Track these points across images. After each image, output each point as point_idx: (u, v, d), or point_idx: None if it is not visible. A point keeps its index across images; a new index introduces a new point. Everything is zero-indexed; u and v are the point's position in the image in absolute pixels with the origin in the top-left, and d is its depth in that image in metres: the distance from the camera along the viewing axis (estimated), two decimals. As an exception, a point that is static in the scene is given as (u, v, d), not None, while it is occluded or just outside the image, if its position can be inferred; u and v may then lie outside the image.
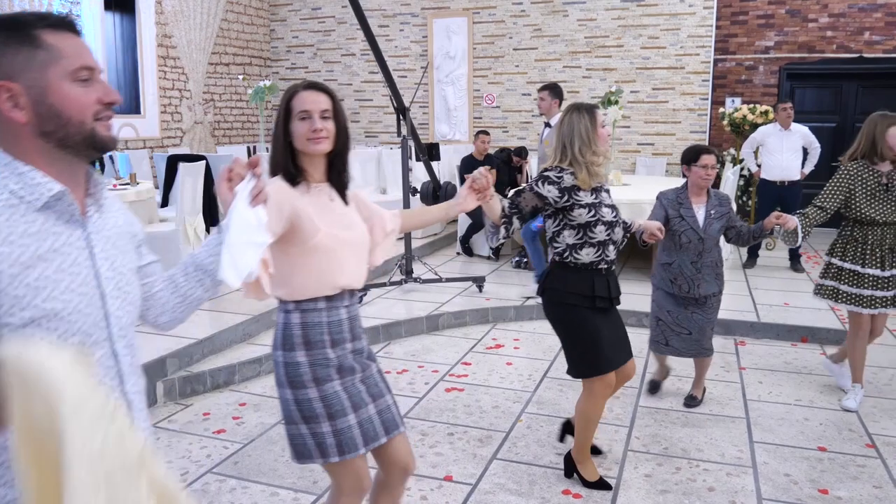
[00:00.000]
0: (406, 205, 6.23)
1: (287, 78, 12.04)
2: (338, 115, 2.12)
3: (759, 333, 5.47)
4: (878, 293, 3.95)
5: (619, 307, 3.23)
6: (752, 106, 8.90)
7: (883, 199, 3.88)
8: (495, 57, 10.97)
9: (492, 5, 10.87)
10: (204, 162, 6.23)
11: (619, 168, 8.98)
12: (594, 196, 3.01)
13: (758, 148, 7.77)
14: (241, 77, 10.89)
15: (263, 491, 3.14)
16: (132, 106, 9.22)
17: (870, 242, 3.95)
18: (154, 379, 3.98)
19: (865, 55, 10.22)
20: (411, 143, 6.40)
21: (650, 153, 10.44)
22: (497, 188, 8.07)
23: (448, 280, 6.36)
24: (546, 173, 2.99)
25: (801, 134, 7.45)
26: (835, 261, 4.08)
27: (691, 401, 4.16)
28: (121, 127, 8.92)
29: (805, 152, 7.58)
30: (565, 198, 2.96)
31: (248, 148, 10.30)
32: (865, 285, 3.96)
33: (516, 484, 3.23)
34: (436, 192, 6.50)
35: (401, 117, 6.12)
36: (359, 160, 8.63)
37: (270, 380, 4.46)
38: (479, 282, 6.26)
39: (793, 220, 3.77)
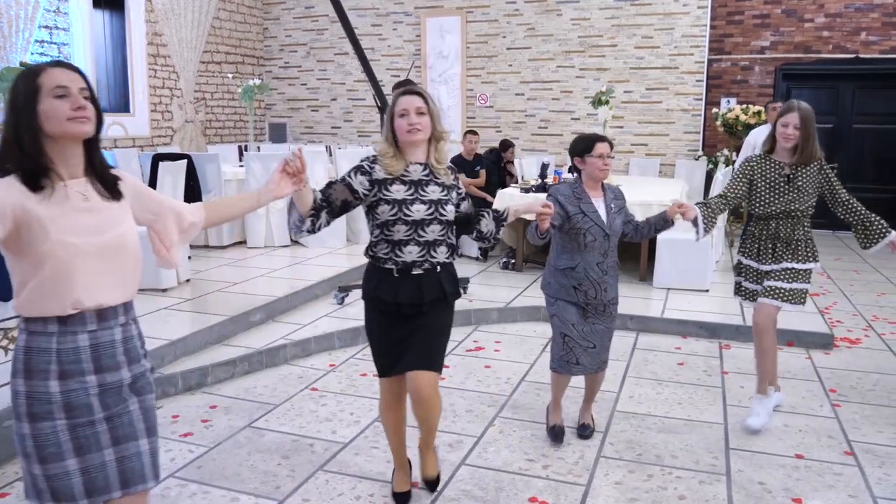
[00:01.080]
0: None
1: (280, 77, 11.99)
2: (94, 95, 1.86)
3: (745, 337, 5.38)
4: (772, 283, 3.80)
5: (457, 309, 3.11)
6: (745, 106, 8.83)
7: (784, 191, 3.73)
8: (489, 56, 10.91)
9: (485, 4, 10.81)
10: (185, 161, 6.17)
11: (612, 168, 8.89)
12: (411, 190, 2.72)
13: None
14: (230, 76, 10.83)
15: (224, 496, 3.08)
16: (121, 104, 9.17)
17: (764, 237, 3.82)
18: (122, 381, 3.92)
19: (862, 56, 10.14)
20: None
21: (644, 154, 10.37)
22: (486, 189, 8.02)
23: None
24: (362, 162, 2.76)
25: None
26: (740, 257, 4.00)
27: (584, 430, 3.72)
28: (110, 125, 8.87)
29: None
30: (374, 191, 2.71)
31: (240, 147, 10.24)
32: (761, 280, 3.88)
33: (482, 491, 3.16)
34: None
35: (383, 115, 6.04)
36: (348, 159, 8.57)
37: (245, 382, 4.41)
38: (463, 283, 6.19)
39: (693, 210, 3.60)
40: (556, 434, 3.65)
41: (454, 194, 2.83)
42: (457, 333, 5.45)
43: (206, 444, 3.55)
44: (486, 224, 3.00)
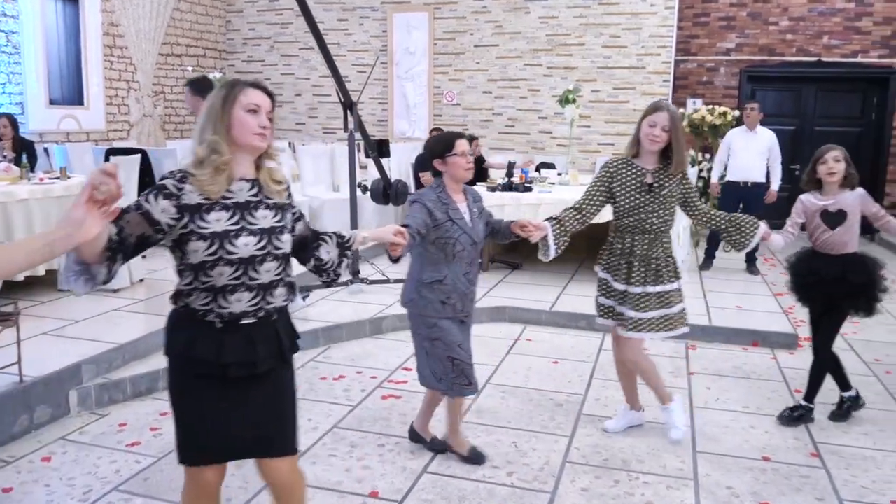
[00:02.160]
0: (353, 203, 6.02)
1: (243, 71, 11.75)
2: None
3: (711, 337, 5.36)
4: (636, 314, 3.39)
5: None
6: (710, 107, 8.84)
7: (644, 201, 3.34)
8: (456, 53, 10.80)
9: (453, 1, 10.70)
10: (139, 156, 5.96)
11: (578, 168, 8.86)
12: (235, 217, 2.02)
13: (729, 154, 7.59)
14: (191, 69, 10.57)
15: (172, 509, 2.93)
16: (75, 97, 8.87)
17: (618, 252, 3.44)
18: (67, 387, 3.72)
19: (824, 59, 10.24)
20: (360, 139, 6.20)
21: (610, 153, 10.34)
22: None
23: (396, 281, 6.15)
24: (165, 179, 2.01)
25: (767, 138, 7.39)
26: (597, 269, 3.58)
27: (473, 455, 3.39)
28: (62, 118, 8.57)
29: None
30: (184, 221, 1.97)
31: (201, 142, 10.00)
32: (614, 297, 3.50)
33: (445, 500, 3.05)
34: (386, 191, 6.31)
35: (348, 112, 5.90)
36: (311, 156, 8.40)
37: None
38: (427, 283, 6.07)
39: (540, 232, 3.21)
40: (433, 446, 3.43)
41: (289, 216, 2.18)
42: (421, 334, 5.33)
43: (154, 455, 3.38)
44: (328, 251, 2.34)
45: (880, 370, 4.79)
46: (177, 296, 2.09)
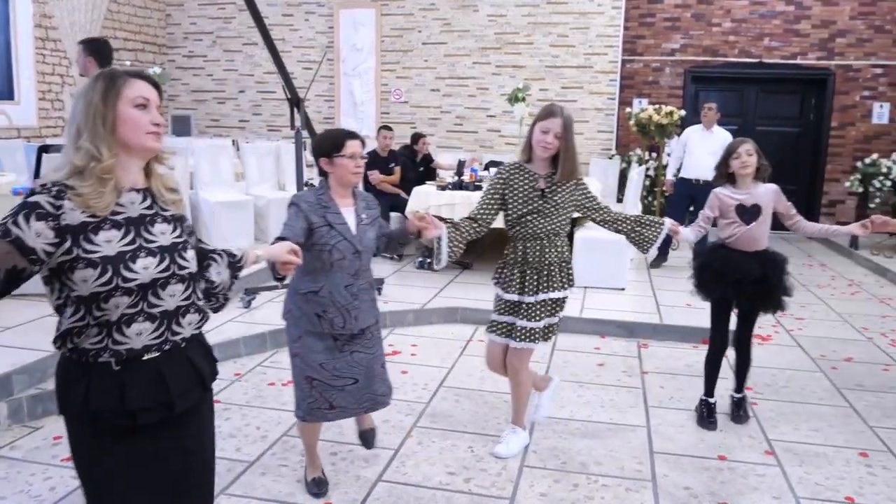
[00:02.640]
0: (301, 202, 5.85)
1: (184, 67, 11.41)
2: None
3: (662, 335, 5.38)
4: (528, 323, 3.26)
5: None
6: (657, 107, 8.93)
7: (537, 207, 3.19)
8: (404, 51, 10.69)
9: (400, -3, 10.58)
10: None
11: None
12: (130, 236, 1.69)
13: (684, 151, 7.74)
14: (128, 63, 10.20)
15: (112, 527, 2.75)
16: (5, 91, 8.45)
17: (511, 262, 3.28)
18: (-4, 398, 3.50)
19: (765, 60, 10.45)
20: (308, 137, 6.04)
21: (559, 152, 10.38)
22: (403, 186, 7.80)
23: (346, 282, 6.03)
24: (37, 196, 1.61)
25: (723, 138, 7.46)
26: (495, 287, 3.37)
27: (368, 435, 3.44)
28: (-9, 114, 8.16)
29: None
30: (66, 246, 1.61)
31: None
32: (505, 311, 3.33)
33: (401, 509, 2.95)
34: (334, 189, 6.15)
35: (294, 109, 5.74)
36: (256, 154, 8.18)
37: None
38: (377, 284, 5.96)
39: (436, 230, 2.96)
40: (318, 484, 3.05)
41: (186, 229, 1.84)
42: (372, 337, 5.22)
43: (92, 467, 3.19)
44: (218, 272, 1.95)
45: (826, 366, 4.87)
46: (62, 338, 1.68)
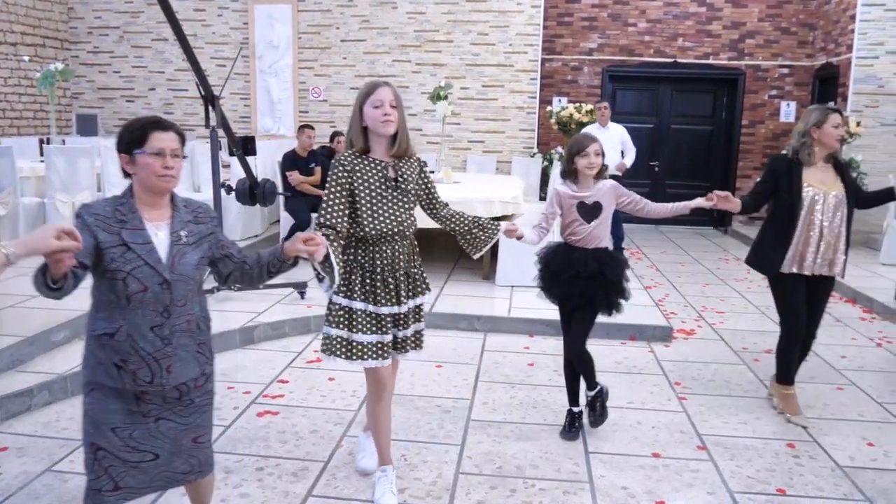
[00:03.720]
0: (217, 204, 5.59)
1: (89, 63, 10.83)
2: None
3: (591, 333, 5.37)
4: (400, 333, 2.90)
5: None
6: (577, 105, 9.01)
7: (391, 199, 2.76)
8: (322, 48, 10.45)
9: (317, -7, 10.33)
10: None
11: (449, 165, 8.77)
12: None
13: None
14: (27, 58, 9.60)
15: (11, 564, 2.50)
16: None
17: (379, 268, 2.77)
18: None
19: (679, 60, 10.71)
20: (223, 135, 5.77)
21: (481, 150, 10.36)
22: (322, 187, 7.59)
23: (266, 286, 5.79)
24: None
25: (619, 133, 7.99)
26: (339, 300, 2.78)
27: None
28: None
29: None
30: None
31: (41, 140, 9.09)
32: (384, 327, 2.80)
33: (333, 526, 2.80)
34: (252, 191, 5.92)
35: (209, 106, 5.47)
36: (169, 154, 7.81)
37: (45, 415, 3.73)
38: (300, 287, 5.75)
39: (320, 246, 2.35)
40: None
41: None
42: (295, 343, 5.02)
43: (-12, 497, 2.90)
44: None
45: (749, 358, 4.97)
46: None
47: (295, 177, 7.37)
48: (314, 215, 7.34)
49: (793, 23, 10.54)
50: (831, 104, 3.87)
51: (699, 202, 3.54)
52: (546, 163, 9.83)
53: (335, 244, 2.60)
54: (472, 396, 4.14)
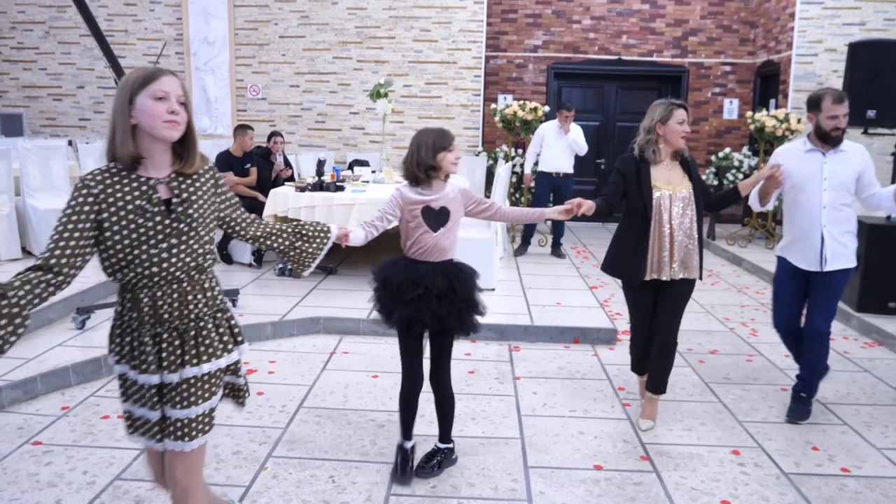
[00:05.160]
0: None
1: (13, 60, 10.30)
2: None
3: (533, 337, 5.23)
4: (173, 412, 2.09)
5: None
6: (522, 103, 8.88)
7: (161, 230, 2.00)
8: (260, 44, 10.12)
9: (254, -12, 10.00)
10: None
11: (392, 165, 8.55)
12: None
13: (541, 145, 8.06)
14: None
15: None
16: None
17: (145, 322, 2.04)
18: None
19: (624, 58, 10.68)
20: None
21: (426, 150, 10.15)
22: (258, 188, 7.31)
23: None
24: None
25: (575, 134, 7.93)
26: (112, 362, 2.17)
27: None
28: None
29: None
30: None
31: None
32: (148, 401, 2.09)
33: (248, 562, 2.57)
34: (180, 193, 5.60)
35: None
36: (94, 156, 7.42)
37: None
38: (232, 295, 5.47)
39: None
40: None
41: None
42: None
43: None
44: None
45: (694, 360, 4.88)
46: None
47: (229, 178, 7.06)
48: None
49: (734, 20, 10.59)
50: (676, 99, 3.69)
51: (553, 213, 3.24)
52: (491, 161, 9.69)
53: (42, 295, 1.87)
54: (408, 409, 3.94)
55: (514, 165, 9.22)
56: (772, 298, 4.09)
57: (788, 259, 3.90)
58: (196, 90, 10.15)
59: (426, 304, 2.94)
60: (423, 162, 2.96)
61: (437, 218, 3.01)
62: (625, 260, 3.64)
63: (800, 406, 3.94)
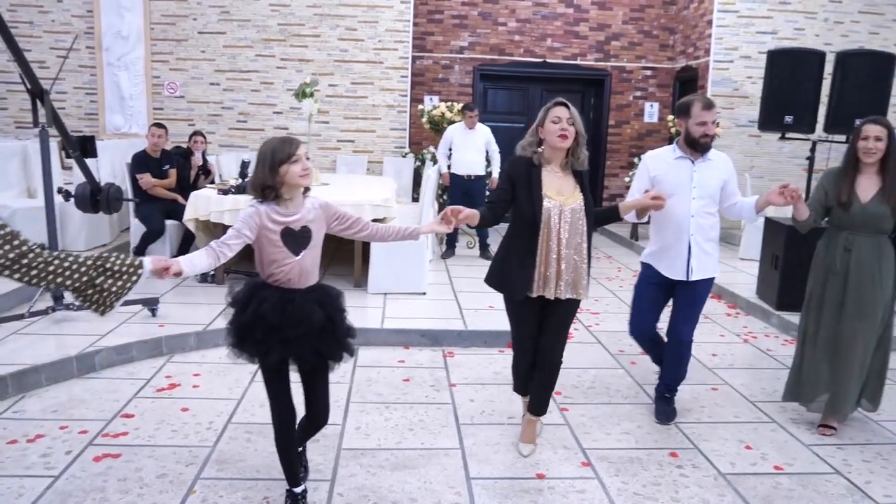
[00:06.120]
0: (50, 212, 4.94)
1: None
2: None
3: (468, 342, 5.17)
4: None
5: None
6: (449, 104, 8.83)
7: None
8: (177, 40, 9.72)
9: (170, -19, 9.59)
10: None
11: (318, 166, 8.36)
12: None
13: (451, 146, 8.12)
14: None
15: None
16: None
17: None
18: None
19: (549, 60, 10.77)
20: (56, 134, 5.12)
21: (350, 150, 9.98)
22: (178, 189, 7.00)
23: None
24: None
25: (484, 134, 8.01)
26: None
27: None
28: None
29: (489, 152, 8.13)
30: None
31: None
32: None
33: None
34: (94, 197, 5.30)
35: (37, 102, 4.82)
36: (1, 156, 6.95)
37: None
38: (151, 304, 5.19)
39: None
40: None
41: None
42: (143, 369, 4.48)
43: None
44: None
45: (626, 361, 4.92)
46: None
47: (146, 180, 6.73)
48: (169, 222, 6.74)
49: (654, 26, 10.84)
50: (561, 98, 3.49)
51: (427, 229, 3.11)
52: (418, 163, 9.60)
53: None
54: (343, 421, 3.80)
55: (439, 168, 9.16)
56: (630, 305, 4.02)
57: (654, 266, 3.83)
58: (109, 87, 9.66)
59: (308, 340, 2.66)
60: (261, 181, 2.58)
61: (298, 240, 2.67)
62: (510, 272, 3.34)
63: (667, 407, 4.00)
